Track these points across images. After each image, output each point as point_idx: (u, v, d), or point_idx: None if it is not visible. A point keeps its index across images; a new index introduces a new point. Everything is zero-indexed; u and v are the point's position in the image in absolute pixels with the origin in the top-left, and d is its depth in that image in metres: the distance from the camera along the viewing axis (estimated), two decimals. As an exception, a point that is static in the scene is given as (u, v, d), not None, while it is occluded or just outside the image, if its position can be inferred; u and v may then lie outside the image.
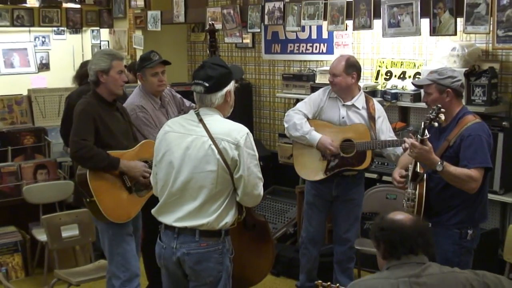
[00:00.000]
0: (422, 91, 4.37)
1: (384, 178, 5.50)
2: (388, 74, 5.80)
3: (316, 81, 6.06)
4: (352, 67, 4.69)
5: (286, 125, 4.85)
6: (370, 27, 5.06)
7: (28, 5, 7.67)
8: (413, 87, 5.28)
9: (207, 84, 3.27)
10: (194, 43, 8.10)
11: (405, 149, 4.30)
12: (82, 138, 3.98)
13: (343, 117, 4.75)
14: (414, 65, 5.64)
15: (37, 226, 5.69)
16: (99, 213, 4.01)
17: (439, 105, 3.69)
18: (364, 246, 5.00)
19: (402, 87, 5.56)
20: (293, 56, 6.80)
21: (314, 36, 6.55)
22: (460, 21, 4.52)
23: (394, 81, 5.72)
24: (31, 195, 5.79)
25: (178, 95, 4.94)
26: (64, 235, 4.85)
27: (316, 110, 4.83)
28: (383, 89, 5.66)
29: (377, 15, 4.96)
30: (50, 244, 4.86)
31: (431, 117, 3.65)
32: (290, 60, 6.84)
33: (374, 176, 5.58)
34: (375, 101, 4.89)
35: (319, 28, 6.40)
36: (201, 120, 3.29)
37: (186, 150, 3.26)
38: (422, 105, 4.81)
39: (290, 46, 6.82)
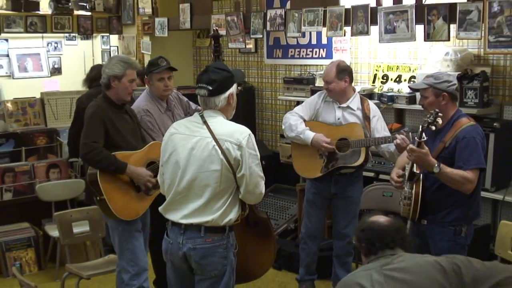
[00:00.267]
0: (417, 94, 4.37)
1: (381, 176, 5.51)
2: (385, 77, 5.80)
3: (316, 84, 6.08)
4: (343, 71, 4.70)
5: (283, 127, 4.89)
6: (367, 33, 5.06)
7: (41, 12, 7.68)
8: (408, 90, 5.28)
9: (210, 88, 3.27)
10: (199, 48, 8.11)
11: (396, 145, 4.33)
12: (92, 141, 3.99)
13: (338, 118, 4.77)
14: (409, 69, 5.64)
15: (50, 222, 5.70)
16: (108, 210, 4.02)
17: (437, 110, 3.69)
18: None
19: (398, 90, 5.56)
20: (294, 61, 6.81)
21: (314, 41, 6.56)
22: (453, 27, 4.52)
23: (390, 84, 5.72)
24: (44, 193, 5.80)
25: (185, 99, 4.94)
26: (75, 231, 4.86)
27: (312, 113, 4.85)
28: (379, 92, 5.66)
29: (374, 21, 4.96)
30: (62, 239, 4.86)
31: (429, 121, 3.65)
32: (291, 65, 6.85)
33: (371, 174, 5.59)
34: (370, 101, 4.89)
35: (319, 34, 6.41)
36: (205, 122, 3.29)
37: (191, 150, 3.27)
38: (417, 107, 4.82)
39: (291, 51, 6.83)
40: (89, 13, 8.06)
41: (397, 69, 5.75)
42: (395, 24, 4.80)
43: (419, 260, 2.65)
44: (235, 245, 3.44)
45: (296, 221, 6.08)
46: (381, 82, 5.81)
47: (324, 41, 6.40)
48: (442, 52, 5.12)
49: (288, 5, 6.10)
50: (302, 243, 5.08)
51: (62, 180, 6.03)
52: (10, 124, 6.12)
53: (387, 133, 4.71)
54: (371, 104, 4.84)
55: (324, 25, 5.32)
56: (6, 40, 8.27)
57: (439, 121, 3.65)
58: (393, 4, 4.91)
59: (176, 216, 3.32)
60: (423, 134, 3.65)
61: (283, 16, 5.66)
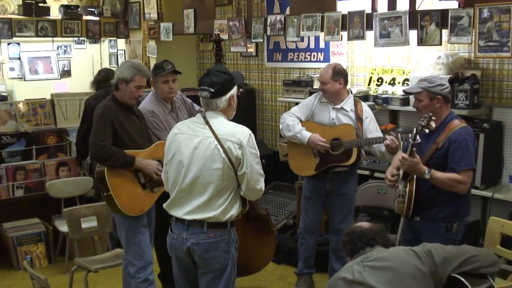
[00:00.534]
0: (411, 96, 4.37)
1: (376, 174, 5.52)
2: (380, 80, 5.80)
3: (314, 87, 6.07)
4: (339, 74, 4.71)
5: (281, 127, 4.89)
6: (363, 37, 5.05)
7: (51, 17, 7.69)
8: (402, 92, 5.29)
9: (212, 90, 3.28)
10: (202, 52, 8.12)
11: (386, 146, 4.38)
12: (100, 140, 4.00)
13: (333, 119, 4.77)
14: (403, 72, 5.64)
15: (59, 218, 5.71)
16: (115, 206, 4.02)
17: (431, 114, 3.70)
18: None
19: (392, 92, 5.56)
20: (293, 64, 6.81)
21: (312, 45, 6.56)
22: (445, 32, 4.51)
23: (385, 86, 5.73)
24: (53, 190, 5.81)
25: (189, 100, 4.95)
26: (83, 226, 4.86)
27: (308, 113, 4.86)
28: (374, 94, 5.66)
29: (369, 26, 4.96)
30: (71, 234, 4.87)
31: (423, 124, 3.67)
32: (290, 68, 6.85)
33: (367, 172, 5.60)
34: (364, 103, 4.90)
35: (317, 39, 6.42)
36: (207, 123, 3.30)
37: (194, 150, 3.27)
38: (411, 108, 4.82)
39: (290, 55, 6.83)
40: (97, 18, 8.07)
41: (391, 72, 5.75)
42: (389, 29, 4.80)
43: (394, 250, 2.80)
44: (237, 240, 3.44)
45: (295, 217, 6.08)
46: (376, 84, 5.81)
47: (322, 45, 6.41)
48: (435, 56, 5.12)
49: (287, 11, 6.10)
50: (300, 238, 5.09)
51: (71, 177, 6.04)
52: (22, 124, 6.12)
53: (379, 134, 4.71)
54: (364, 106, 4.85)
55: (322, 30, 5.32)
56: (18, 43, 8.28)
57: (433, 124, 3.66)
58: (388, 10, 4.91)
59: (180, 212, 3.33)
60: (417, 136, 3.66)
61: (283, 21, 5.66)
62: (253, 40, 6.14)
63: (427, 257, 2.67)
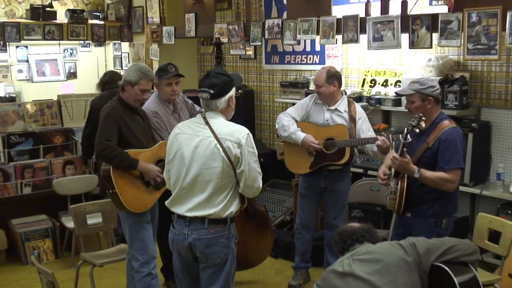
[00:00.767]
0: (403, 97, 4.38)
1: (369, 172, 5.53)
2: (373, 82, 5.81)
3: (310, 88, 6.08)
4: (333, 77, 4.72)
5: (277, 126, 4.91)
6: (357, 41, 5.06)
7: (58, 21, 7.69)
8: (394, 94, 5.29)
9: (212, 91, 3.28)
10: (203, 55, 8.12)
11: (377, 146, 4.40)
12: (106, 139, 4.00)
13: (327, 120, 4.78)
14: (395, 74, 5.65)
15: (66, 214, 5.71)
16: (120, 203, 4.03)
17: (421, 114, 3.72)
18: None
19: (385, 93, 5.58)
20: (290, 66, 6.81)
21: (308, 48, 6.57)
22: (435, 36, 4.53)
23: (378, 88, 5.74)
24: (60, 188, 5.81)
25: (190, 101, 4.95)
26: (89, 223, 4.86)
27: (304, 114, 4.87)
28: (368, 95, 5.67)
29: (363, 30, 4.96)
30: (77, 230, 4.87)
31: (414, 124, 3.69)
32: (287, 70, 6.86)
33: (360, 170, 5.61)
34: (357, 105, 4.91)
35: (313, 42, 6.42)
36: (207, 123, 3.30)
37: (195, 149, 3.28)
38: (403, 109, 4.84)
39: (287, 57, 6.83)
40: (102, 22, 8.08)
41: (384, 74, 5.75)
42: (382, 32, 4.80)
43: (382, 244, 2.85)
44: (236, 235, 3.45)
45: (292, 213, 6.08)
46: (370, 86, 5.82)
47: (318, 48, 6.41)
48: (425, 58, 5.13)
49: (284, 15, 6.11)
50: (297, 233, 5.09)
51: (77, 175, 6.04)
52: (29, 124, 6.13)
53: (372, 134, 4.71)
54: (358, 107, 4.86)
55: (317, 33, 5.33)
56: (26, 47, 8.29)
57: (423, 124, 3.68)
58: (381, 14, 4.91)
59: (182, 209, 3.33)
60: (408, 136, 3.68)
61: (280, 25, 5.67)
62: (251, 43, 6.14)
63: (411, 249, 2.72)
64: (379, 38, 4.84)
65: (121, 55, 8.82)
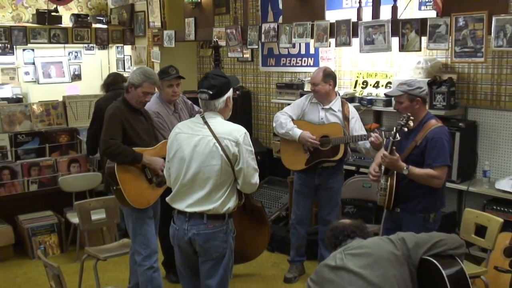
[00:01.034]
0: (393, 98, 4.39)
1: (361, 169, 5.54)
2: (364, 83, 5.82)
3: (305, 89, 6.09)
4: (328, 76, 4.74)
5: (274, 124, 4.91)
6: (349, 44, 5.06)
7: (63, 25, 7.69)
8: (384, 95, 5.30)
9: (210, 92, 3.29)
10: (202, 57, 8.12)
11: (371, 142, 4.41)
12: (111, 138, 4.00)
13: (322, 118, 4.79)
14: (386, 76, 5.66)
15: (71, 210, 5.71)
16: (123, 199, 4.03)
17: (409, 114, 3.73)
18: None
19: (376, 94, 5.58)
20: (286, 68, 6.81)
21: (303, 51, 6.57)
22: (424, 39, 4.53)
23: (369, 89, 5.74)
24: (65, 185, 5.81)
25: (189, 102, 4.95)
26: (93, 218, 4.86)
27: (299, 113, 4.88)
28: (360, 96, 5.68)
29: (355, 34, 4.97)
30: (81, 225, 4.87)
31: (402, 123, 3.71)
32: (283, 72, 6.86)
33: (353, 168, 5.62)
34: (350, 105, 4.93)
35: (307, 45, 6.43)
36: (206, 122, 3.31)
37: (195, 147, 3.28)
38: (393, 109, 4.84)
39: (283, 60, 6.84)
40: (105, 26, 8.07)
41: (375, 76, 5.76)
42: (373, 36, 4.81)
43: (372, 239, 2.87)
44: (234, 230, 3.45)
45: (288, 209, 6.09)
46: (361, 87, 5.82)
47: (312, 51, 6.41)
48: (415, 61, 5.14)
49: (280, 20, 6.11)
50: (292, 229, 5.10)
51: (82, 173, 6.05)
52: (36, 124, 6.12)
53: (364, 132, 4.73)
54: (351, 107, 4.88)
55: (312, 37, 5.33)
56: (32, 50, 8.27)
57: (411, 123, 3.70)
58: (372, 19, 4.92)
59: (182, 205, 3.33)
60: (397, 135, 3.69)
61: (276, 29, 5.67)
62: (248, 47, 6.14)
63: (400, 243, 2.73)
64: (370, 41, 4.84)
65: (123, 57, 8.82)
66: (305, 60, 6.56)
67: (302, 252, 5.11)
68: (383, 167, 3.91)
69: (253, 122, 7.31)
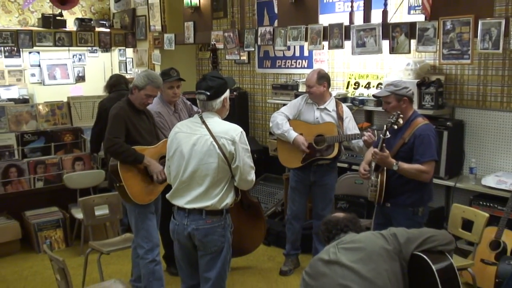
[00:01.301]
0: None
1: (353, 167, 5.54)
2: (356, 84, 5.81)
3: (299, 90, 6.09)
4: (323, 78, 4.74)
5: (271, 124, 4.90)
6: (342, 47, 5.07)
7: (67, 29, 7.67)
8: (372, 96, 5.31)
9: (208, 93, 3.28)
10: (201, 60, 8.10)
11: (364, 141, 4.41)
12: (114, 136, 3.99)
13: (317, 118, 4.79)
14: (377, 77, 5.66)
15: (75, 206, 5.70)
16: (126, 196, 4.02)
17: (399, 112, 3.74)
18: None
19: (368, 95, 5.58)
20: (281, 70, 6.81)
21: (297, 54, 6.56)
22: (413, 42, 4.53)
23: (361, 90, 5.74)
24: (70, 182, 5.80)
25: (188, 102, 4.94)
26: (97, 214, 4.85)
27: (296, 113, 4.88)
28: (352, 96, 5.67)
29: (347, 37, 4.97)
30: (85, 221, 4.86)
31: (392, 121, 3.71)
32: (278, 73, 6.86)
33: (345, 165, 5.62)
34: (344, 105, 4.93)
35: (302, 48, 6.42)
36: (204, 122, 3.30)
37: (193, 146, 3.27)
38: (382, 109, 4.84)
39: (278, 62, 6.83)
40: (108, 30, 8.05)
41: (366, 77, 5.76)
42: (365, 39, 4.81)
43: (365, 233, 2.85)
44: (231, 225, 3.45)
45: (283, 204, 6.09)
46: (354, 88, 5.82)
47: (306, 53, 6.41)
48: (404, 63, 5.14)
49: (275, 23, 6.10)
50: (287, 223, 5.10)
51: (86, 171, 6.03)
52: (41, 124, 6.11)
53: (357, 132, 4.74)
54: (345, 107, 4.88)
55: (306, 40, 5.33)
56: (38, 52, 8.24)
57: (400, 121, 3.71)
58: (363, 23, 4.92)
59: (181, 201, 3.33)
60: (387, 132, 3.70)
61: (272, 33, 5.67)
62: (245, 49, 6.13)
63: (392, 239, 2.72)
64: (362, 44, 4.84)
65: (125, 60, 8.80)
66: (299, 62, 6.56)
67: (297, 246, 5.11)
68: (373, 165, 3.92)
69: (250, 122, 7.30)
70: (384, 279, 2.59)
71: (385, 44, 4.73)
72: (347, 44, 5.02)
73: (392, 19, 4.94)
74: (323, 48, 5.35)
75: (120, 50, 8.82)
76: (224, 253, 3.38)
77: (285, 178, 5.82)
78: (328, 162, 4.78)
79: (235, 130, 3.28)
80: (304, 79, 5.90)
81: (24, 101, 7.39)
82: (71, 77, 8.59)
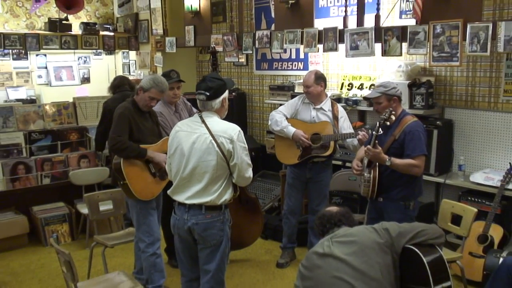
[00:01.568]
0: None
1: (347, 164, 5.53)
2: (350, 85, 5.81)
3: (295, 91, 6.08)
4: (319, 78, 4.73)
5: (269, 122, 4.89)
6: (336, 49, 5.06)
7: (73, 32, 7.66)
8: (363, 98, 5.31)
9: (208, 94, 3.27)
10: (201, 62, 8.09)
11: (358, 140, 4.41)
12: (118, 135, 3.98)
13: (313, 117, 4.78)
14: (370, 79, 5.65)
15: (81, 202, 5.67)
16: (129, 192, 4.00)
17: (391, 108, 3.75)
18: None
19: (361, 96, 5.57)
20: (278, 72, 6.80)
21: (293, 56, 6.55)
22: (404, 45, 4.52)
23: (354, 91, 5.73)
24: (76, 178, 5.78)
25: (189, 103, 4.93)
26: (101, 209, 4.83)
27: (293, 112, 4.87)
28: (346, 97, 5.67)
29: (341, 40, 4.97)
30: (90, 216, 4.84)
31: (385, 117, 3.72)
32: (275, 75, 6.84)
33: (340, 163, 5.61)
34: (339, 105, 4.93)
35: (297, 50, 6.41)
36: (203, 121, 3.29)
37: (193, 144, 3.26)
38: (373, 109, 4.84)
39: (275, 64, 6.82)
40: (112, 34, 8.05)
41: (360, 78, 5.75)
42: (358, 42, 4.80)
43: (358, 228, 2.84)
44: (230, 220, 3.43)
45: (280, 200, 6.08)
46: (347, 89, 5.81)
47: (302, 56, 6.40)
48: (396, 65, 5.13)
49: (272, 27, 6.10)
50: (284, 218, 5.09)
51: (91, 168, 6.01)
52: (48, 123, 6.09)
53: (352, 131, 4.73)
54: (340, 107, 4.87)
55: (301, 43, 5.32)
56: (45, 55, 8.22)
57: (393, 117, 3.73)
58: (357, 26, 4.91)
59: (182, 197, 3.31)
60: (380, 129, 3.71)
61: (269, 36, 5.66)
62: (244, 52, 6.13)
63: (384, 233, 2.72)
64: (355, 47, 4.84)
65: (129, 62, 8.78)
66: (295, 64, 6.55)
67: (293, 240, 5.10)
68: (365, 162, 3.92)
69: (248, 121, 7.29)
70: (376, 271, 2.59)
71: (378, 47, 4.73)
72: (341, 47, 5.02)
73: (384, 23, 4.93)
74: (318, 51, 5.34)
75: (123, 52, 8.81)
76: (223, 246, 3.37)
77: (282, 175, 5.81)
78: (324, 159, 4.78)
79: (233, 129, 3.26)
80: (300, 81, 5.91)
81: (31, 101, 7.38)
82: (76, 78, 8.58)
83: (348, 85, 5.81)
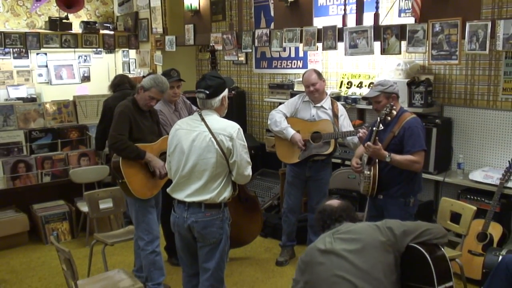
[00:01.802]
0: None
1: (346, 162, 5.51)
2: (349, 83, 5.79)
3: (294, 89, 6.06)
4: (320, 74, 4.75)
5: (269, 122, 4.86)
6: (335, 48, 5.04)
7: (73, 31, 7.64)
8: (362, 98, 5.29)
9: (207, 92, 3.25)
10: (201, 60, 8.07)
11: (359, 138, 4.39)
12: (118, 133, 3.95)
13: (313, 115, 4.76)
14: (369, 77, 5.63)
15: (81, 200, 5.66)
16: (128, 191, 3.99)
17: (392, 103, 3.74)
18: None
19: (360, 94, 5.55)
20: (277, 70, 6.78)
21: (293, 55, 6.53)
22: (403, 43, 4.51)
23: (353, 89, 5.71)
24: (76, 177, 5.76)
25: (188, 102, 4.91)
26: (101, 207, 4.82)
27: (293, 111, 4.84)
28: (345, 95, 5.65)
29: (340, 39, 4.94)
30: (90, 214, 4.83)
31: (386, 112, 3.72)
32: (275, 73, 6.83)
33: (339, 161, 5.59)
34: (339, 103, 4.90)
35: (297, 49, 6.39)
36: (203, 119, 3.27)
37: (193, 142, 3.24)
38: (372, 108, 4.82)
39: (275, 63, 6.80)
40: (112, 32, 8.02)
41: (359, 77, 5.73)
42: (357, 41, 4.78)
43: (361, 224, 2.81)
44: (229, 218, 3.42)
45: (279, 198, 6.06)
46: (346, 87, 5.79)
47: (301, 54, 6.38)
48: (395, 63, 5.11)
49: (272, 26, 6.07)
50: (283, 216, 5.07)
51: (91, 166, 5.99)
52: (49, 121, 6.07)
53: (352, 129, 4.71)
54: (339, 105, 4.85)
55: (301, 41, 5.30)
56: (45, 53, 8.21)
57: (394, 112, 3.74)
58: (356, 25, 4.88)
59: (181, 195, 3.29)
60: (380, 125, 3.70)
61: (268, 35, 5.64)
62: (243, 50, 6.11)
63: (387, 231, 2.69)
64: (354, 45, 4.82)
65: (129, 61, 8.76)
66: (294, 63, 6.53)
67: (292, 238, 5.08)
68: (365, 159, 3.90)
69: (247, 119, 7.28)
70: (378, 271, 2.56)
71: (377, 45, 4.70)
72: (340, 45, 4.99)
73: (383, 21, 4.91)
74: (317, 49, 5.32)
75: (123, 51, 8.79)
76: (222, 244, 3.35)
77: (281, 173, 5.79)
78: (323, 158, 4.76)
79: (233, 127, 3.24)
80: (300, 79, 5.89)
81: (32, 100, 7.37)
82: (76, 77, 8.56)
83: (347, 84, 5.79)
